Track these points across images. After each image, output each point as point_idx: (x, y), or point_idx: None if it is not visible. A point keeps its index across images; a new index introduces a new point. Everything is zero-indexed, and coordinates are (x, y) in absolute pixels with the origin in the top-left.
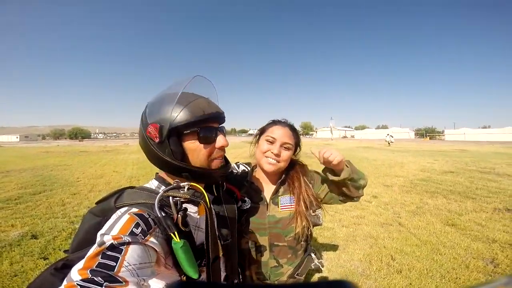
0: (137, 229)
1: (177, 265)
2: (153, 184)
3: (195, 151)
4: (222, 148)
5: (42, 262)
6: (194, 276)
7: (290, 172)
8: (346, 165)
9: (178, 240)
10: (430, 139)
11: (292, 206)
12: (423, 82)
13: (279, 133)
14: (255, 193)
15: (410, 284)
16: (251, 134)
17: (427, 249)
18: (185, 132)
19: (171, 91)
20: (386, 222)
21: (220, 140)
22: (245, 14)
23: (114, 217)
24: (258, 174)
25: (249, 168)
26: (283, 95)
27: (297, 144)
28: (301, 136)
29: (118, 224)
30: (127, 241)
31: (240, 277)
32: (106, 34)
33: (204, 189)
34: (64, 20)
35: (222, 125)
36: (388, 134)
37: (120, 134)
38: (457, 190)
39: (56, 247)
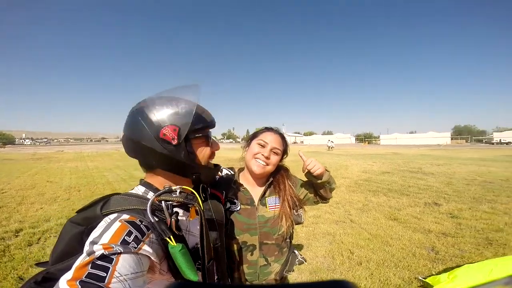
0: (130, 237)
1: (172, 270)
2: (139, 190)
3: (201, 152)
4: (216, 151)
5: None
6: (195, 279)
7: (276, 176)
8: (326, 170)
9: (175, 244)
10: (368, 143)
11: (277, 206)
12: (361, 90)
13: (271, 139)
14: (244, 195)
15: (372, 274)
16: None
17: (378, 241)
18: (197, 135)
19: (179, 95)
20: (340, 220)
21: (215, 144)
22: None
23: (102, 224)
24: (244, 177)
25: (232, 172)
26: (234, 102)
27: (284, 151)
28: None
29: (108, 232)
30: (118, 251)
31: (229, 281)
32: (34, 24)
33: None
34: None
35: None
36: (329, 140)
37: (52, 139)
38: (394, 188)
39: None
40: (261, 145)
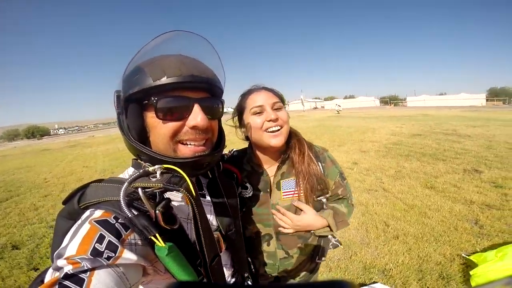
0: (101, 244)
1: None
2: (128, 172)
3: (156, 128)
4: (197, 128)
5: (34, 274)
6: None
7: (291, 142)
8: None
9: (162, 245)
10: (394, 105)
11: (295, 192)
12: (385, 51)
13: (262, 97)
14: (257, 177)
15: (410, 249)
16: (226, 113)
17: (415, 213)
18: (145, 102)
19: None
20: (371, 188)
21: (192, 117)
22: None
23: (74, 226)
24: (256, 153)
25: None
26: (251, 69)
27: (283, 101)
28: None
29: (76, 239)
30: (85, 267)
31: (252, 268)
32: (49, 19)
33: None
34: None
35: (210, 97)
36: (336, 104)
37: (83, 127)
38: (427, 152)
39: (43, 255)
40: (258, 113)
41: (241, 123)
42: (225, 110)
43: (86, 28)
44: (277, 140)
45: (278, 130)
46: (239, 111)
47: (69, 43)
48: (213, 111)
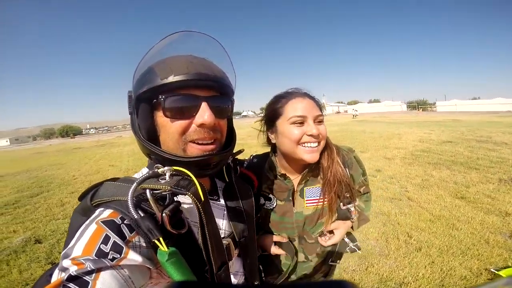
0: (107, 245)
1: None
2: (142, 172)
3: (165, 127)
4: (204, 126)
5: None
6: None
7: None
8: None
9: (165, 249)
10: (422, 110)
11: (319, 201)
12: (413, 55)
13: (305, 107)
14: (281, 186)
15: (433, 262)
16: (245, 116)
17: (442, 224)
18: (154, 101)
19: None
20: (395, 197)
21: (199, 115)
22: None
23: (83, 226)
24: (280, 161)
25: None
26: (273, 74)
27: (322, 112)
28: None
29: (83, 239)
30: (89, 269)
31: (263, 276)
32: (84, 27)
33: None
34: (43, 17)
35: (219, 95)
36: (353, 109)
37: (112, 127)
38: (459, 160)
39: (62, 250)
40: (298, 123)
41: (272, 129)
42: (245, 113)
43: (118, 32)
44: (312, 156)
45: (316, 146)
46: (273, 114)
47: (100, 48)
48: (221, 109)
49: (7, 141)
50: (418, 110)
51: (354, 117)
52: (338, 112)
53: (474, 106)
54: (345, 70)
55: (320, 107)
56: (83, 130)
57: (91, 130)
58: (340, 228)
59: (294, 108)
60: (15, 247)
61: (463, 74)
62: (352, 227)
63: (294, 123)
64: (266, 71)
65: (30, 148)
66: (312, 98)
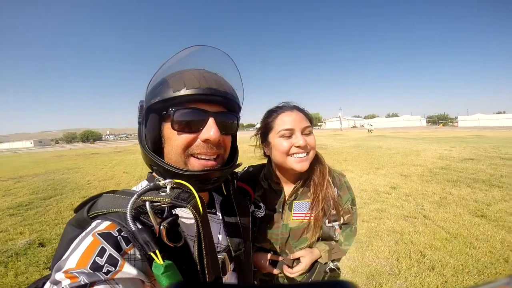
0: (102, 257)
1: None
2: (141, 185)
3: (170, 140)
4: (209, 142)
5: (47, 273)
6: None
7: (314, 165)
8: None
9: (161, 262)
10: (443, 125)
11: (306, 215)
12: (433, 69)
13: (293, 120)
14: (272, 196)
15: (446, 282)
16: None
17: (458, 243)
18: (163, 113)
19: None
20: (410, 215)
21: (206, 130)
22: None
23: (78, 238)
24: (276, 173)
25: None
26: (290, 87)
27: (312, 122)
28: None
29: (77, 251)
30: (83, 283)
31: None
32: (108, 34)
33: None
34: (69, 24)
35: (226, 112)
36: (368, 124)
37: (130, 134)
38: (480, 178)
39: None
40: (286, 136)
41: (265, 142)
42: (259, 125)
43: (138, 40)
44: (301, 166)
45: (305, 156)
46: (265, 128)
47: (121, 57)
48: (228, 126)
49: (31, 143)
50: (439, 125)
51: (370, 132)
52: (354, 126)
53: (499, 120)
54: (363, 83)
55: (310, 119)
56: (103, 136)
57: (111, 136)
58: (306, 257)
59: (283, 122)
60: (18, 249)
61: (487, 86)
62: (321, 257)
63: (283, 136)
64: (284, 85)
65: (51, 151)
66: (301, 110)
